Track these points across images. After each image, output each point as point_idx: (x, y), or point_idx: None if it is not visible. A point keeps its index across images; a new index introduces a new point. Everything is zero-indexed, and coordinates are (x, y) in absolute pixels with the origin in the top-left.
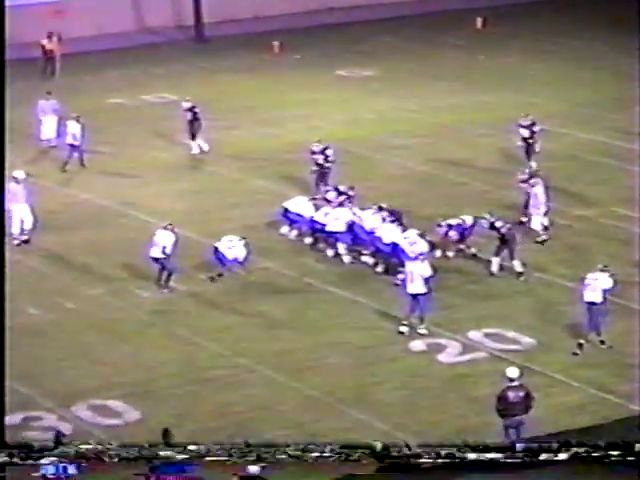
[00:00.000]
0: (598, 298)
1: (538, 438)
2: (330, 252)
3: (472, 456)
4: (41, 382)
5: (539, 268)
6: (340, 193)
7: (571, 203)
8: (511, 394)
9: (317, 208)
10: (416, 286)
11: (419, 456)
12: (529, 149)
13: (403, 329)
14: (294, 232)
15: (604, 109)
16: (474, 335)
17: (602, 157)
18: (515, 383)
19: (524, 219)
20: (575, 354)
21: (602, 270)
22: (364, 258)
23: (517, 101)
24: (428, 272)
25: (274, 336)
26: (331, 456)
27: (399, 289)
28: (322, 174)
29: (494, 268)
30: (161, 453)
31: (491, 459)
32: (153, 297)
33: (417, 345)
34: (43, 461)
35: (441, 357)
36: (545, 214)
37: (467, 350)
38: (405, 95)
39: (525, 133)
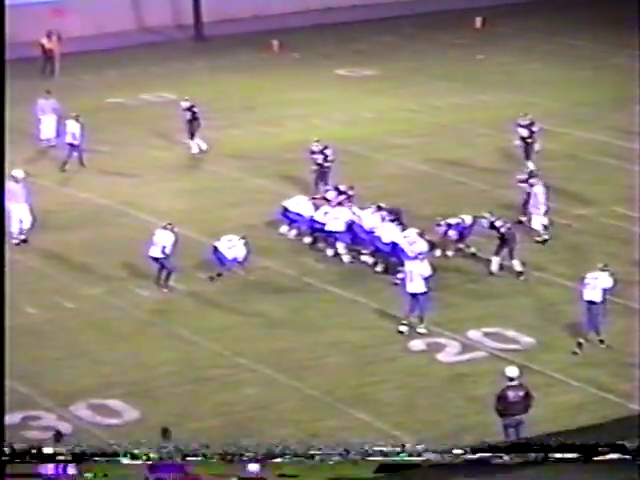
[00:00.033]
0: (598, 297)
1: (537, 437)
2: (329, 251)
3: (471, 456)
4: (40, 381)
5: (539, 267)
6: (340, 192)
7: (571, 202)
8: (511, 393)
9: (316, 207)
10: (415, 285)
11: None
12: (528, 149)
13: (402, 328)
14: (293, 231)
15: (604, 108)
16: (473, 334)
17: (602, 156)
18: (515, 382)
19: (523, 218)
20: (575, 353)
21: (602, 269)
22: (363, 257)
23: (516, 100)
24: (427, 271)
25: (273, 335)
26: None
27: (398, 288)
28: (322, 174)
29: (494, 267)
30: (160, 452)
31: (490, 459)
32: (152, 296)
33: (416, 344)
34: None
35: (440, 356)
36: (545, 214)
37: (466, 349)
38: (404, 94)
39: (524, 133)
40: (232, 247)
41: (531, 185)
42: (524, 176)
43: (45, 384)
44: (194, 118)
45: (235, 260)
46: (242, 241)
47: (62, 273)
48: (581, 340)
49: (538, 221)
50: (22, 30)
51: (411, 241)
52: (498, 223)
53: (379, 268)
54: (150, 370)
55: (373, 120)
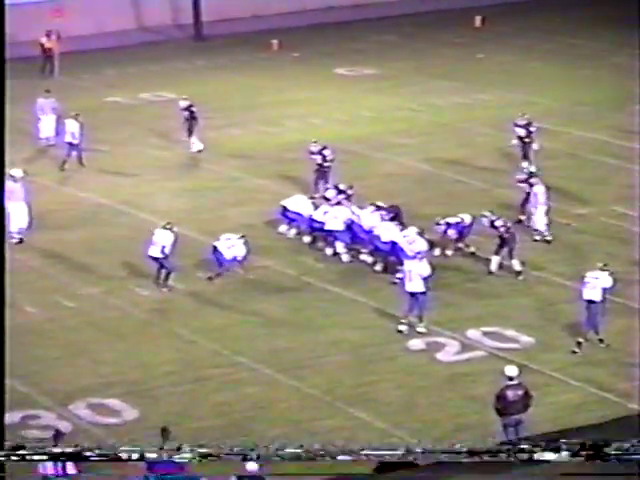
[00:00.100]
0: (597, 296)
1: (537, 437)
2: (329, 251)
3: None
4: (40, 381)
5: (538, 267)
6: (339, 192)
7: (570, 202)
8: (510, 393)
9: (316, 207)
10: (415, 285)
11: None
12: (525, 148)
13: (402, 328)
14: (293, 231)
15: (604, 108)
16: (473, 334)
17: (602, 156)
18: (514, 382)
19: (522, 217)
20: (574, 353)
21: (602, 269)
22: (363, 257)
23: (516, 100)
24: (427, 271)
25: (273, 335)
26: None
27: (398, 288)
28: (322, 173)
29: (493, 267)
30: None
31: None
32: (152, 296)
33: (416, 344)
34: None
35: (440, 356)
36: (547, 213)
37: (466, 349)
38: (404, 94)
39: (521, 132)
40: (231, 246)
41: (531, 185)
42: (523, 176)
43: (45, 383)
44: (192, 117)
45: (235, 259)
46: (241, 240)
47: (62, 272)
48: (580, 339)
49: (541, 221)
50: (22, 29)
51: (410, 240)
52: (498, 223)
53: (378, 267)
54: (150, 369)
55: (373, 119)
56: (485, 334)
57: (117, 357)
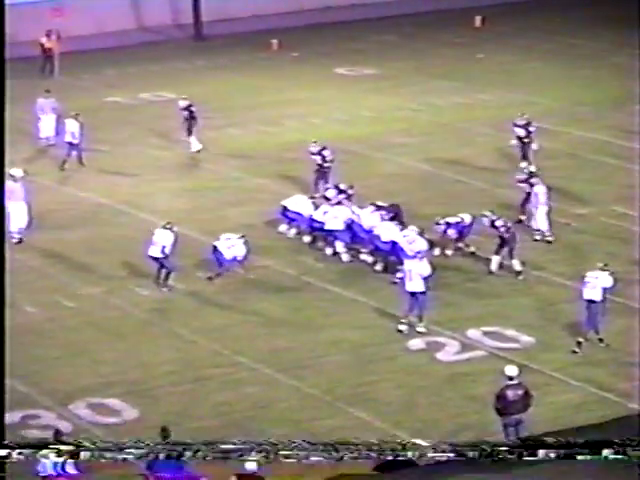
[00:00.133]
0: (597, 296)
1: (536, 436)
2: (329, 250)
3: (470, 455)
4: (40, 380)
5: (538, 266)
6: (340, 191)
7: (571, 202)
8: (510, 392)
9: (316, 206)
10: (415, 284)
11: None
12: (524, 149)
13: (402, 327)
14: (293, 230)
15: (604, 108)
16: (473, 333)
17: (602, 156)
18: (514, 381)
19: (523, 217)
20: (574, 352)
21: (602, 268)
22: (363, 256)
23: (516, 99)
24: (427, 270)
25: (273, 334)
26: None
27: (398, 287)
28: (322, 174)
29: (493, 266)
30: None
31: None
32: (152, 296)
33: (416, 343)
34: (42, 460)
35: (440, 355)
36: (548, 214)
37: (466, 348)
38: (404, 93)
39: (521, 132)
40: (231, 246)
41: (532, 185)
42: (523, 176)
43: (45, 383)
44: (192, 117)
45: (235, 259)
46: (241, 240)
47: (62, 272)
48: (580, 339)
49: (543, 221)
50: (22, 29)
51: (410, 240)
52: (499, 223)
53: (378, 267)
54: (150, 369)
55: (373, 119)
56: (485, 334)
57: (117, 357)
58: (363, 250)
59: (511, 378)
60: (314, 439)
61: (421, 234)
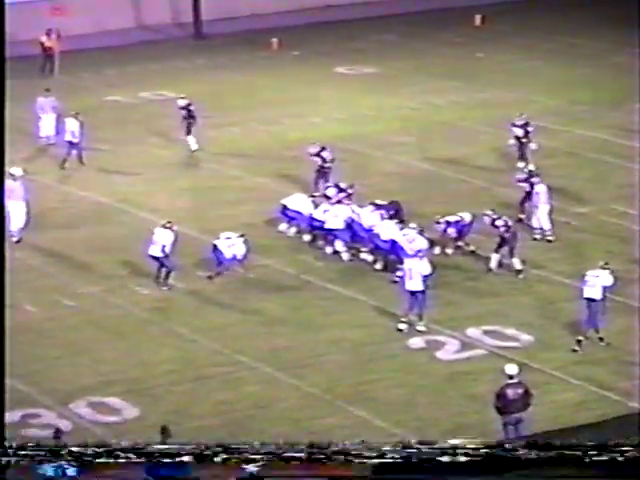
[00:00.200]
0: (597, 295)
1: (536, 436)
2: (329, 249)
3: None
4: (40, 379)
5: (538, 265)
6: (340, 190)
7: (570, 200)
8: (510, 391)
9: (316, 205)
10: (415, 283)
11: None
12: (522, 148)
13: (402, 326)
14: (293, 229)
15: (604, 107)
16: (473, 332)
17: (602, 154)
18: (514, 380)
19: (522, 216)
20: (574, 351)
21: (603, 267)
22: (363, 255)
23: (516, 99)
24: (427, 269)
25: (273, 333)
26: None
27: (398, 286)
28: (323, 174)
29: (493, 264)
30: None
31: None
32: (152, 295)
33: (416, 342)
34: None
35: (440, 354)
36: (549, 213)
37: (466, 347)
38: (404, 92)
39: (519, 132)
40: (231, 245)
41: (532, 184)
42: (523, 176)
43: (45, 382)
44: (190, 116)
45: (234, 258)
46: (241, 239)
47: (62, 271)
48: (581, 338)
49: (545, 221)
50: (22, 28)
51: (410, 239)
52: (499, 222)
53: (378, 266)
54: (150, 368)
55: (372, 118)
56: (485, 332)
57: (117, 356)
58: (363, 249)
59: (511, 377)
60: (314, 438)
61: (421, 233)
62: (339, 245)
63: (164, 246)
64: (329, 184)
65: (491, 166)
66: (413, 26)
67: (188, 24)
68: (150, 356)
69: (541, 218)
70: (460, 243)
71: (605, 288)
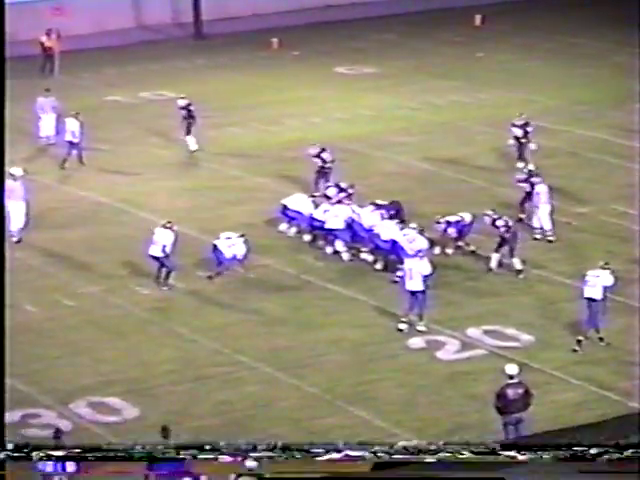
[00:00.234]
0: (598, 294)
1: (536, 435)
2: (329, 249)
3: (471, 454)
4: (40, 379)
5: (538, 265)
6: (341, 190)
7: (571, 200)
8: (510, 391)
9: (316, 205)
10: (415, 283)
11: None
12: (521, 149)
13: (402, 326)
14: (293, 229)
15: (604, 106)
16: (473, 332)
17: (602, 154)
18: (514, 380)
19: (522, 216)
20: (574, 351)
21: (603, 267)
22: (363, 255)
23: (516, 98)
24: (427, 269)
25: (273, 333)
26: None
27: (398, 286)
28: (323, 174)
29: (493, 264)
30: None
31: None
32: (152, 295)
33: (416, 342)
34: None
35: (440, 354)
36: (551, 213)
37: (466, 347)
38: (404, 92)
39: (518, 132)
40: (232, 245)
41: (532, 184)
42: (523, 176)
43: (45, 382)
44: (190, 117)
45: (235, 258)
46: (241, 239)
47: (62, 271)
48: (581, 338)
49: (546, 221)
50: (22, 28)
51: (410, 239)
52: (499, 222)
53: (378, 266)
54: (150, 368)
55: (372, 118)
56: (485, 332)
57: (117, 356)
58: (363, 249)
59: (511, 377)
60: (314, 438)
61: (421, 233)
62: (339, 245)
63: (164, 246)
64: (329, 184)
65: (491, 166)
66: (413, 26)
67: (188, 24)
68: (150, 356)
69: (542, 218)
70: (460, 243)
71: (605, 288)
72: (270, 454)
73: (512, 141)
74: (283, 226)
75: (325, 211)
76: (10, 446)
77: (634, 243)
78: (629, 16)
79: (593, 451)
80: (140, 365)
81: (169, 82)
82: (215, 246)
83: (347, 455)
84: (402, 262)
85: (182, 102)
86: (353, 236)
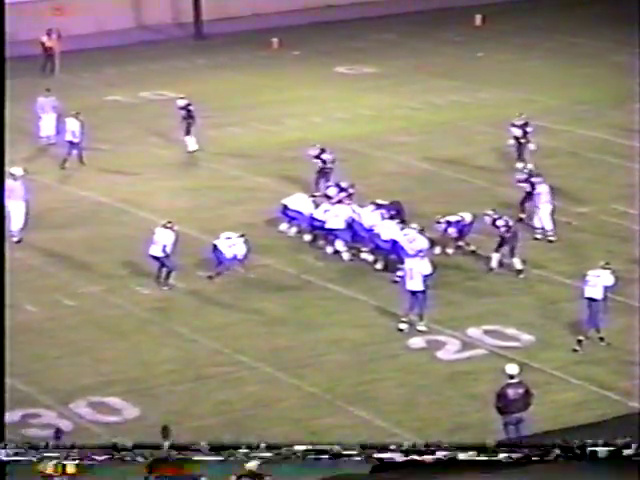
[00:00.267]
0: (598, 294)
1: (537, 435)
2: (329, 249)
3: (469, 454)
4: (40, 379)
5: (539, 265)
6: (341, 190)
7: (571, 200)
8: (510, 391)
9: (316, 205)
10: (415, 283)
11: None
12: (521, 149)
13: (402, 326)
14: (293, 229)
15: (604, 106)
16: (473, 332)
17: (602, 154)
18: (514, 380)
19: (523, 216)
20: (575, 351)
21: (604, 267)
22: (363, 255)
23: (516, 98)
24: (427, 269)
25: (274, 333)
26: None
27: (398, 286)
28: (323, 174)
29: (493, 263)
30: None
31: (488, 457)
32: (153, 294)
33: (416, 342)
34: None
35: (440, 354)
36: (552, 213)
37: (466, 347)
38: (404, 92)
39: (517, 132)
40: (232, 245)
41: (532, 184)
42: (523, 176)
43: (45, 382)
44: (190, 117)
45: (235, 258)
46: (242, 239)
47: (62, 271)
48: (581, 338)
49: (547, 221)
50: (22, 28)
51: (411, 239)
52: (500, 222)
53: (379, 266)
54: (150, 368)
55: (372, 118)
56: (486, 332)
57: (118, 355)
58: (364, 249)
59: (512, 377)
60: (314, 438)
61: (422, 233)
62: (340, 245)
63: (165, 246)
64: (330, 184)
65: (491, 166)
66: (413, 26)
67: (188, 24)
68: (150, 356)
69: (543, 218)
70: (461, 243)
71: (606, 288)
72: (270, 454)
73: (512, 141)
74: (283, 226)
75: (325, 211)
76: (10, 446)
77: (634, 243)
78: (629, 15)
79: (593, 451)
80: (140, 365)
81: (169, 82)
82: (215, 246)
83: (347, 455)
84: (402, 262)
85: (181, 102)
86: (353, 236)
